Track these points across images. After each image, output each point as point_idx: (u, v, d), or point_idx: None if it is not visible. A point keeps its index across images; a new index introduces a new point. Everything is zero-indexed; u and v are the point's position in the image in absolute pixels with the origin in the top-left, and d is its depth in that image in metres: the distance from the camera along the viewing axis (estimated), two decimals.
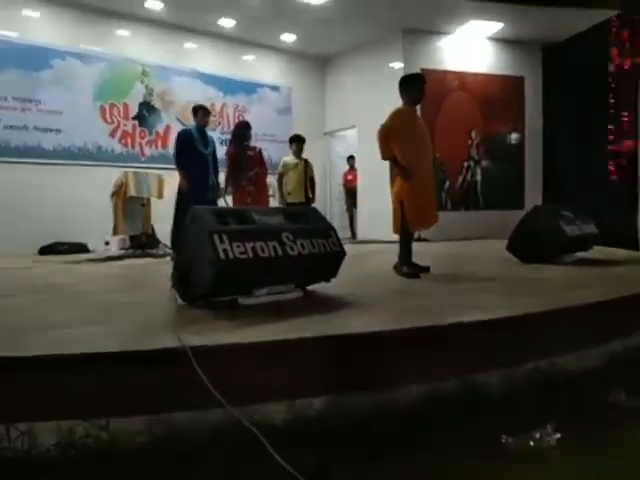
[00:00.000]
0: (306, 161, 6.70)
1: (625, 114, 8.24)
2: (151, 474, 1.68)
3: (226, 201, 6.19)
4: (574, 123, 9.05)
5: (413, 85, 4.47)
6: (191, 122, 6.21)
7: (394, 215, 4.33)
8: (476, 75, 9.64)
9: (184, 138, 5.85)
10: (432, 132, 9.23)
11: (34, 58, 7.46)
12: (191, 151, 5.75)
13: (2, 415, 1.78)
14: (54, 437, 1.77)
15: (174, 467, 1.72)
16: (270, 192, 7.40)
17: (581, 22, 8.72)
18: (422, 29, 9.19)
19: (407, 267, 4.23)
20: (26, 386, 1.83)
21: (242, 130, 6.25)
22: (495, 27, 9.17)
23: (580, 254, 5.10)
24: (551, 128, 9.82)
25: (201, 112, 5.96)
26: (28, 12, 7.61)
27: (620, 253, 5.93)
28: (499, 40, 9.66)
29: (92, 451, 1.77)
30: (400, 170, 4.21)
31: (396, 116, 4.39)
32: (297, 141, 6.69)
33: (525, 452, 1.84)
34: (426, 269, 4.25)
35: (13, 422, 1.77)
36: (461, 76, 9.54)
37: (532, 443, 1.91)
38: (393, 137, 4.28)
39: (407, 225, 4.26)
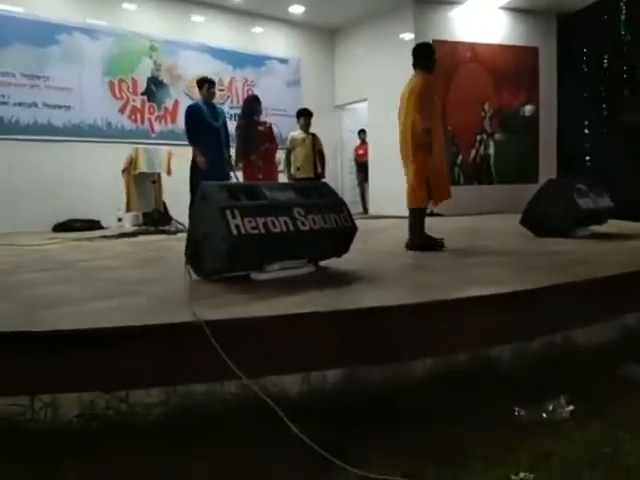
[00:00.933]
0: (314, 135, 6.63)
1: None
2: (168, 445, 1.72)
3: (236, 176, 6.17)
4: (589, 95, 8.88)
5: (432, 53, 4.40)
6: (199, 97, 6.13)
7: (412, 190, 4.21)
8: (489, 46, 9.44)
9: (193, 112, 5.74)
10: (444, 105, 9.13)
11: (40, 34, 7.41)
12: (202, 125, 5.66)
13: (26, 387, 1.82)
14: (76, 409, 1.82)
15: (191, 439, 1.75)
16: (280, 167, 7.37)
17: None
18: None
19: (424, 239, 4.19)
20: (47, 359, 1.87)
21: (252, 104, 6.18)
22: None
23: (594, 227, 5.05)
24: (566, 101, 9.63)
25: (206, 85, 5.83)
26: None
27: (635, 226, 5.86)
28: (512, 10, 9.42)
29: (113, 422, 1.81)
30: (426, 144, 4.04)
31: (428, 84, 4.21)
32: (304, 115, 6.61)
33: (538, 424, 1.86)
34: (440, 241, 4.23)
35: (36, 393, 1.81)
36: (473, 47, 9.34)
37: (545, 415, 1.93)
38: (424, 107, 4.06)
39: (427, 200, 4.20)
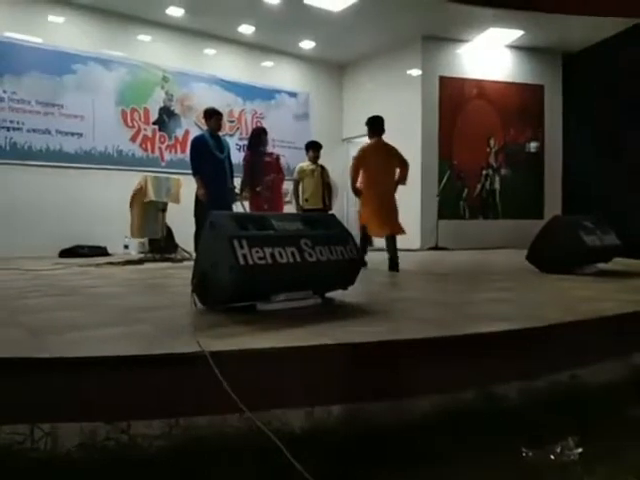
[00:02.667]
0: (322, 167, 6.68)
1: None
2: (169, 477, 1.69)
3: (243, 206, 6.22)
4: (594, 132, 8.96)
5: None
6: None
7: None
8: (495, 83, 9.61)
9: (199, 144, 5.83)
10: (450, 139, 9.31)
11: (57, 63, 7.61)
12: (206, 156, 5.74)
13: (26, 415, 1.81)
14: (77, 439, 1.79)
15: (192, 471, 1.72)
16: (287, 198, 7.41)
17: (603, 30, 8.65)
18: (441, 36, 9.20)
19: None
20: (48, 387, 1.86)
21: (259, 136, 6.28)
22: (515, 35, 9.14)
23: (601, 265, 5.03)
24: (571, 137, 9.73)
25: (216, 117, 5.95)
26: (53, 18, 7.76)
27: None
28: (519, 48, 9.62)
29: (113, 453, 1.79)
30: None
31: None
32: (313, 147, 6.67)
33: (546, 466, 1.82)
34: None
35: (36, 422, 1.79)
36: (480, 84, 9.51)
37: (553, 457, 1.88)
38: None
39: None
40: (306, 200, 6.54)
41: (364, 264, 4.99)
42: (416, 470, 1.78)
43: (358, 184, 5.61)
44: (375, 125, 5.69)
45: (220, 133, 6.22)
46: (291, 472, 1.63)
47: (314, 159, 6.63)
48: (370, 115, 5.79)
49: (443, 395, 2.22)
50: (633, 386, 2.62)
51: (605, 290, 3.85)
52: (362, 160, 5.58)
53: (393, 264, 5.35)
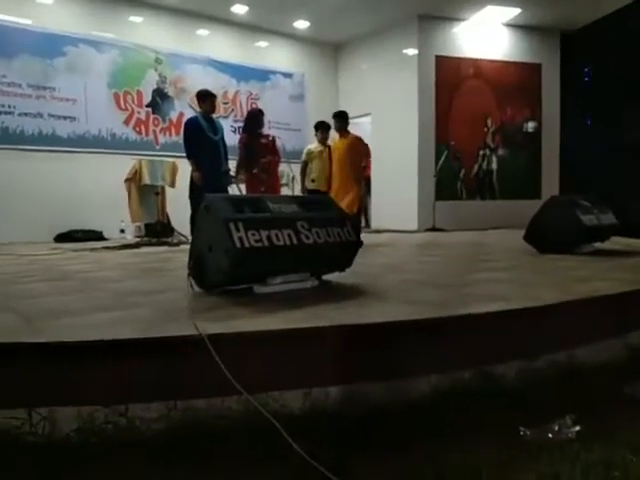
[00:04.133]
0: (329, 148, 6.57)
1: None
2: (168, 461, 1.70)
3: (239, 189, 6.18)
4: (592, 112, 8.92)
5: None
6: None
7: None
8: (492, 62, 9.52)
9: (193, 126, 5.76)
10: (447, 119, 9.25)
11: (48, 45, 7.49)
12: (200, 139, 5.68)
13: (24, 399, 1.80)
14: (75, 422, 1.79)
15: (190, 455, 1.73)
16: (283, 181, 7.35)
17: (600, 8, 8.55)
18: (437, 15, 9.09)
19: None
20: (45, 371, 1.85)
21: (255, 118, 6.20)
22: (512, 13, 9.03)
23: (598, 244, 5.03)
24: (569, 117, 9.68)
25: (210, 99, 5.87)
26: None
27: (638, 244, 5.84)
28: (516, 26, 9.51)
29: (112, 437, 1.79)
30: None
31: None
32: (322, 127, 6.44)
33: (544, 444, 1.83)
34: None
35: (35, 406, 1.79)
36: (476, 63, 9.42)
37: (551, 435, 1.89)
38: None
39: None
40: (312, 180, 6.41)
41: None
42: (413, 450, 1.78)
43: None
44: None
45: (214, 115, 6.15)
46: (290, 453, 1.63)
47: (323, 140, 6.46)
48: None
49: (441, 375, 2.22)
50: (629, 365, 2.63)
51: (602, 269, 3.85)
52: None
53: None
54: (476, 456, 1.73)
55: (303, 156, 6.56)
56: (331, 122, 6.43)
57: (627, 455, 1.74)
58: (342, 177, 6.23)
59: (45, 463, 1.64)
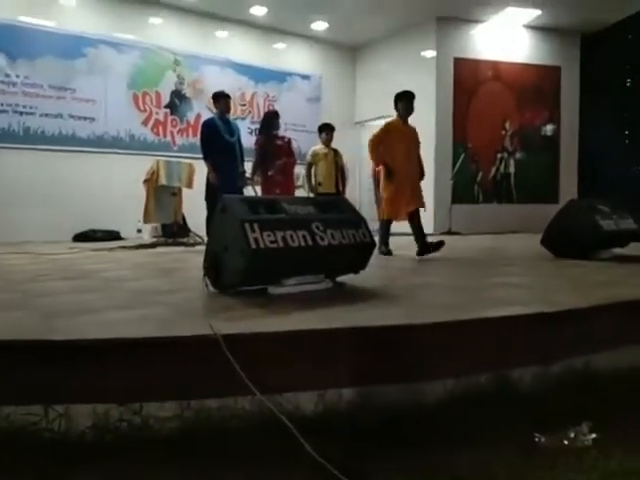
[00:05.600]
0: (336, 150, 6.62)
1: None
2: (181, 460, 1.70)
3: (255, 190, 6.20)
4: (611, 115, 8.79)
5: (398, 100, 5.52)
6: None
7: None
8: (511, 64, 9.44)
9: (209, 128, 5.81)
10: (465, 122, 9.18)
11: (69, 47, 7.61)
12: (217, 140, 5.71)
13: (40, 396, 1.82)
14: (90, 420, 1.81)
15: (204, 453, 1.73)
16: (298, 182, 7.38)
17: (622, 10, 8.44)
18: (456, 17, 9.03)
19: (384, 247, 5.27)
20: (62, 368, 1.87)
21: (271, 119, 6.23)
22: (532, 14, 8.95)
23: (616, 250, 4.95)
24: (588, 120, 9.55)
25: (224, 100, 5.90)
26: (64, 1, 7.73)
27: None
28: (536, 28, 9.43)
29: (126, 435, 1.80)
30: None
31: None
32: (327, 129, 6.59)
33: (559, 451, 1.80)
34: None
35: (51, 403, 1.81)
36: (495, 65, 9.35)
37: (566, 442, 1.87)
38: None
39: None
40: (319, 184, 6.49)
41: (389, 253, 5.22)
42: (427, 454, 1.77)
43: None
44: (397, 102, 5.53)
45: (232, 117, 6.19)
46: (302, 455, 1.63)
47: (327, 141, 6.56)
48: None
49: (457, 379, 2.20)
50: None
51: (621, 275, 3.79)
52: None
53: (426, 246, 5.14)
54: (491, 462, 1.71)
55: (308, 157, 6.63)
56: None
57: None
58: (412, 164, 5.49)
59: (61, 459, 1.66)
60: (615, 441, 1.86)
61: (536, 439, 1.87)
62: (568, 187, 9.54)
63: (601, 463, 1.70)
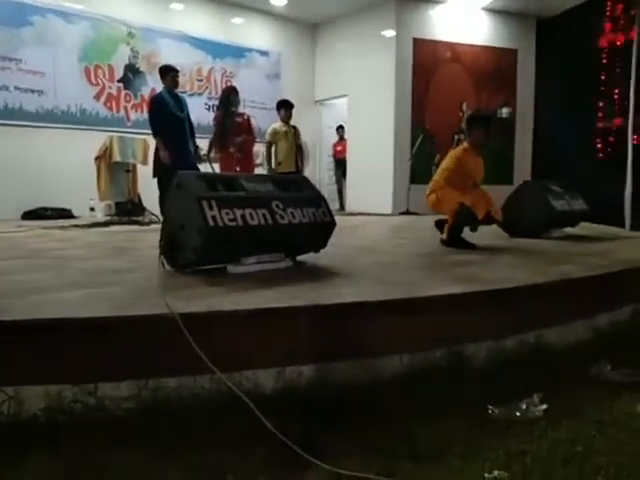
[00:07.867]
0: (295, 128, 6.55)
1: (616, 91, 8.23)
2: (138, 441, 1.68)
3: (212, 167, 6.08)
4: (565, 99, 9.02)
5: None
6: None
7: None
8: (469, 46, 9.52)
9: (158, 103, 5.59)
10: (423, 103, 9.25)
11: (13, 14, 7.17)
12: (166, 116, 5.50)
13: None
14: (42, 402, 1.76)
15: (161, 434, 1.71)
16: (257, 161, 7.28)
17: None
18: None
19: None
20: (12, 350, 1.81)
21: (229, 95, 6.10)
22: None
23: (567, 229, 5.13)
24: (542, 103, 9.78)
25: (172, 74, 5.67)
26: None
27: (607, 230, 5.98)
28: (493, 11, 9.52)
29: (80, 416, 1.76)
30: None
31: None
32: (285, 106, 6.49)
33: (512, 422, 1.87)
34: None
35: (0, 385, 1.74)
36: (454, 47, 9.42)
37: (518, 414, 1.94)
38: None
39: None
40: (279, 164, 6.42)
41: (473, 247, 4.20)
42: (385, 428, 1.80)
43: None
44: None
45: (188, 92, 6.01)
46: (263, 432, 1.63)
47: (287, 118, 6.47)
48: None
49: (413, 355, 2.24)
50: (595, 347, 2.70)
51: (571, 254, 3.93)
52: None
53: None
54: (446, 433, 1.76)
55: (267, 136, 6.52)
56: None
57: (590, 431, 1.79)
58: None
59: (11, 442, 1.61)
60: (562, 411, 1.94)
61: (490, 411, 1.94)
62: (522, 169, 9.79)
63: (550, 433, 1.78)
